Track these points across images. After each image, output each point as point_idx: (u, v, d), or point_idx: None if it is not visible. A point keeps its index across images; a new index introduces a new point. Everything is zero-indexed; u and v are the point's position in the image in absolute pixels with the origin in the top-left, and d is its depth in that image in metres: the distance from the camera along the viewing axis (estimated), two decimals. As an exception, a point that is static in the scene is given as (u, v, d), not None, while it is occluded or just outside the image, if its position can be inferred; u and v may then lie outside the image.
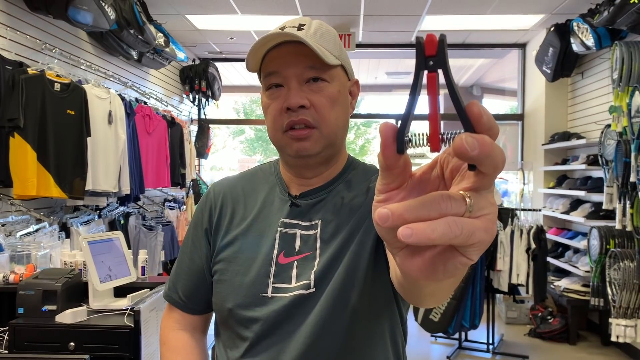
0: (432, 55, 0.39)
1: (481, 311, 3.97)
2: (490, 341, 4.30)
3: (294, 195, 1.00)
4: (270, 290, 0.92)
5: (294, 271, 0.93)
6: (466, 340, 4.48)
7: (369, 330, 0.91)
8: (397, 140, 0.39)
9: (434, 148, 0.40)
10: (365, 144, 15.72)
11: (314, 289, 0.90)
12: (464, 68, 8.01)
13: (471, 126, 0.38)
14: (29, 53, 3.14)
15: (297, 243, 0.95)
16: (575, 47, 4.56)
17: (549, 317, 4.71)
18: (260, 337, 0.92)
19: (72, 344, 1.66)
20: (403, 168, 0.43)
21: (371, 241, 0.91)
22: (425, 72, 0.39)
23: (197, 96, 6.13)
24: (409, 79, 8.77)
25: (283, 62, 0.92)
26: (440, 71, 0.40)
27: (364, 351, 0.91)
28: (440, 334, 4.35)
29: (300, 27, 0.93)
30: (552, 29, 4.87)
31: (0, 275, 2.04)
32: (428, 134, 0.39)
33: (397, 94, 9.80)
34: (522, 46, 6.08)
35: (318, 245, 0.94)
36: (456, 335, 4.39)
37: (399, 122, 0.41)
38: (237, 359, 0.94)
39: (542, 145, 5.51)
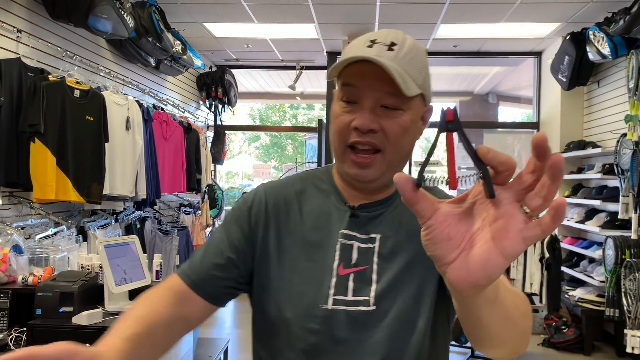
0: (450, 120, 0.55)
1: (494, 320, 3.95)
2: (503, 350, 4.27)
3: (352, 206, 0.97)
4: (330, 302, 0.90)
5: (351, 284, 0.91)
6: (479, 349, 4.46)
7: (428, 351, 0.91)
8: (418, 177, 0.54)
9: (453, 186, 0.54)
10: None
11: (374, 307, 0.89)
12: (479, 76, 8.00)
13: (483, 164, 0.52)
14: (50, 60, 3.23)
15: (354, 255, 0.93)
16: (591, 55, 4.54)
17: (563, 327, 4.67)
18: (317, 350, 0.90)
19: (87, 345, 1.69)
20: (423, 200, 0.54)
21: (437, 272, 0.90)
22: (445, 133, 0.56)
23: (213, 103, 6.21)
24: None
25: (364, 79, 0.89)
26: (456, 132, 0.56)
27: None
28: (452, 342, 4.34)
29: (391, 47, 0.89)
30: (567, 37, 4.86)
31: (19, 277, 2.10)
32: (448, 176, 0.55)
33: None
34: (538, 54, 6.06)
35: (375, 260, 0.92)
36: (468, 344, 4.37)
37: (420, 165, 0.57)
38: None
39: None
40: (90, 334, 1.72)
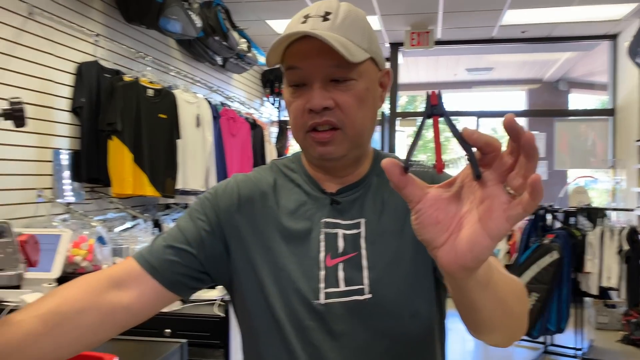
0: (435, 104, 0.56)
1: (568, 315, 3.81)
2: (579, 346, 4.11)
3: (330, 192, 0.92)
4: (322, 296, 0.86)
5: (341, 274, 0.87)
6: (552, 344, 4.31)
7: (429, 335, 0.89)
8: (405, 161, 0.55)
9: (439, 169, 0.55)
10: (444, 142, 15.46)
11: (370, 295, 0.85)
12: (549, 62, 7.69)
13: (469, 145, 0.53)
14: (124, 62, 3.39)
15: (340, 243, 0.88)
16: (674, 36, 4.26)
17: (644, 324, 4.43)
18: (315, 347, 0.85)
19: (168, 330, 1.79)
20: (411, 184, 0.56)
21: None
22: (431, 116, 0.57)
23: (276, 99, 6.30)
24: (490, 75, 8.53)
25: (306, 59, 0.84)
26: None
27: (424, 354, 0.89)
28: (524, 337, 4.21)
29: (325, 17, 0.84)
30: (646, 17, 4.58)
31: (103, 267, 2.23)
32: (435, 160, 0.56)
33: (478, 90, 9.55)
34: (613, 37, 5.74)
35: (363, 245, 0.88)
36: (541, 339, 4.23)
37: (409, 146, 0.58)
38: None
39: (637, 141, 5.19)
40: (170, 320, 1.80)
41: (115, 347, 1.15)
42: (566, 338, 4.33)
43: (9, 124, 0.84)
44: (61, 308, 0.77)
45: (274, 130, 6.62)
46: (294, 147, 6.74)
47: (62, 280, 1.92)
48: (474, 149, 0.53)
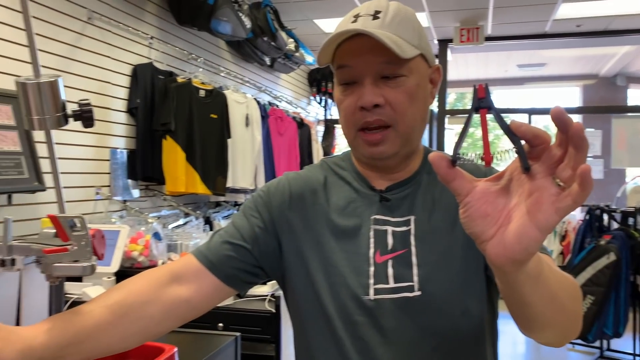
0: (482, 97, 0.56)
1: (626, 319, 3.67)
2: (638, 352, 3.95)
3: (380, 189, 0.93)
4: (372, 292, 0.86)
5: (390, 270, 0.87)
6: (609, 349, 4.16)
7: (479, 334, 0.88)
8: (453, 154, 0.56)
9: (487, 163, 0.55)
10: (494, 140, 15.14)
11: (419, 292, 0.85)
12: (605, 57, 7.41)
13: (517, 138, 0.53)
14: (177, 63, 3.48)
15: (390, 240, 0.89)
16: None
17: None
18: (364, 342, 0.86)
19: (220, 324, 1.84)
20: (459, 177, 0.56)
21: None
22: (478, 110, 0.57)
23: (323, 97, 6.33)
24: (543, 71, 8.29)
25: (356, 56, 0.85)
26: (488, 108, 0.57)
27: (474, 353, 0.89)
28: (579, 341, 4.08)
29: (375, 15, 0.85)
30: None
31: (159, 262, 2.31)
32: (482, 153, 0.56)
33: (530, 87, 9.30)
34: (676, 29, 5.48)
35: (413, 242, 0.88)
36: (597, 344, 4.09)
37: (458, 137, 0.58)
38: None
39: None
40: (223, 315, 1.85)
41: (175, 338, 1.20)
42: (624, 343, 4.17)
43: (71, 125, 0.89)
44: (127, 300, 0.81)
45: (321, 129, 6.65)
46: (340, 145, 6.75)
47: (119, 274, 2.00)
48: (523, 142, 0.53)
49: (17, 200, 2.15)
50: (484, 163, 0.55)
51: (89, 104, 0.84)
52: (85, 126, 0.86)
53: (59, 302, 0.82)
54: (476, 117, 0.56)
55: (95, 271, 0.76)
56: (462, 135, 0.58)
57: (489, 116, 0.56)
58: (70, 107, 0.86)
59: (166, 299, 0.85)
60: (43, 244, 0.72)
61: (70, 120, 0.87)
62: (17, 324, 0.80)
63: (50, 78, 0.82)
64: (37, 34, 0.83)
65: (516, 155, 0.54)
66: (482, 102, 0.56)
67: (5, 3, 2.17)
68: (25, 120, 0.84)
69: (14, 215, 2.10)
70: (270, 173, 4.21)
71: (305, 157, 5.27)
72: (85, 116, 0.82)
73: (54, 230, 0.79)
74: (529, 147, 0.53)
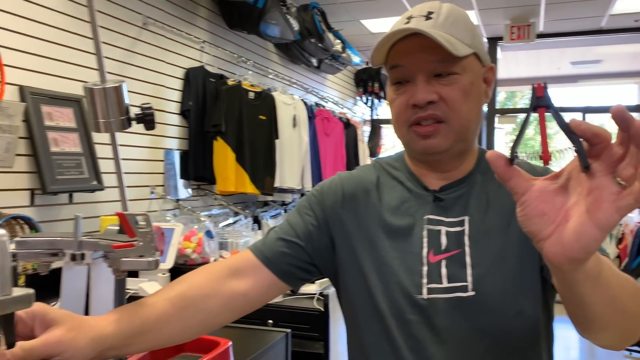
0: (541, 96, 0.57)
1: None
2: (701, 362, 3.76)
3: (433, 190, 0.93)
4: (425, 291, 0.87)
5: (444, 270, 0.88)
6: (669, 358, 3.97)
7: (534, 335, 0.87)
8: (510, 153, 0.56)
9: (546, 161, 0.57)
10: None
11: (473, 292, 0.86)
12: (666, 52, 7.07)
13: (576, 137, 0.52)
14: (227, 66, 3.57)
15: (443, 240, 0.89)
16: None
17: None
18: (417, 340, 0.87)
19: (270, 321, 1.88)
20: (517, 176, 0.56)
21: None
22: (537, 109, 0.59)
23: (369, 98, 6.33)
24: (598, 68, 8.00)
25: (409, 55, 0.86)
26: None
27: (528, 355, 0.88)
28: (636, 347, 3.93)
29: (428, 16, 0.87)
30: None
31: (211, 259, 2.38)
32: (541, 151, 0.58)
33: (584, 84, 8.99)
34: None
35: (467, 243, 0.88)
36: (656, 352, 3.92)
37: (515, 137, 0.59)
38: None
39: None
40: (272, 312, 1.89)
41: (228, 333, 1.24)
42: (686, 352, 3.98)
43: (133, 126, 0.93)
44: (188, 293, 0.85)
45: (367, 129, 6.64)
46: (386, 146, 6.72)
47: (174, 270, 2.08)
48: (582, 141, 0.53)
49: (77, 199, 2.27)
50: (542, 162, 0.56)
51: (150, 108, 0.89)
52: (147, 129, 0.90)
53: (122, 295, 0.87)
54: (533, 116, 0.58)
55: (157, 266, 0.80)
56: (520, 134, 0.58)
57: (547, 115, 0.57)
58: (131, 111, 0.91)
59: (224, 292, 0.88)
60: (110, 239, 0.77)
61: (133, 123, 0.92)
62: (86, 314, 0.85)
63: (115, 83, 0.87)
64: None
65: (575, 154, 0.53)
66: (540, 101, 0.57)
67: (69, 12, 2.29)
68: (92, 123, 0.89)
69: (74, 213, 2.21)
70: (317, 173, 4.25)
71: (352, 157, 5.28)
72: (148, 119, 0.86)
73: (118, 227, 0.84)
74: (588, 145, 0.53)
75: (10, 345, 0.60)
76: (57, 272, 0.86)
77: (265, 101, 3.46)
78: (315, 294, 1.94)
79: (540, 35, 5.49)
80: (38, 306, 0.67)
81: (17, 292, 0.55)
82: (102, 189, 2.29)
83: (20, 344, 0.63)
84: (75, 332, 0.69)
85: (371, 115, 6.81)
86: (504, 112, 7.17)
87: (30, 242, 0.78)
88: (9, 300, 0.54)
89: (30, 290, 0.57)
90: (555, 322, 0.93)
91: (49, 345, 0.66)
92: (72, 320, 0.70)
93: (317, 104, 4.67)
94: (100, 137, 2.32)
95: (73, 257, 0.78)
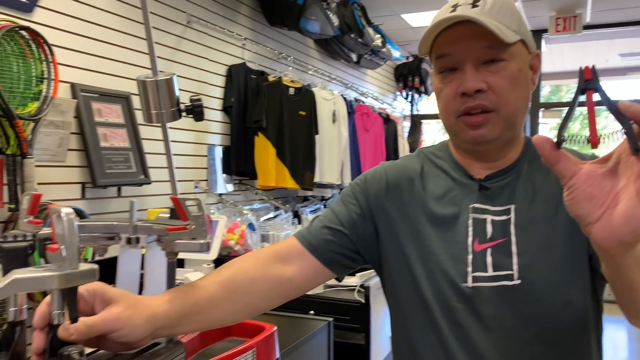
0: (589, 79, 0.58)
1: None
2: None
3: (479, 178, 0.93)
4: (470, 279, 0.87)
5: (489, 259, 0.87)
6: None
7: (582, 325, 0.86)
8: (557, 137, 0.55)
9: (594, 145, 0.55)
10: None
11: (519, 281, 0.85)
12: None
13: (626, 119, 0.52)
14: (268, 63, 3.61)
15: (489, 229, 0.89)
16: None
17: None
18: (462, 329, 0.87)
19: (312, 311, 1.90)
20: (564, 160, 0.56)
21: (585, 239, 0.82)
22: (585, 91, 0.57)
23: (409, 93, 6.28)
24: (648, 60, 7.71)
25: (457, 43, 0.86)
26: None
27: (577, 345, 0.87)
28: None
29: (475, 4, 0.86)
30: None
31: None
32: (589, 135, 0.57)
33: (633, 77, 8.67)
34: None
35: (513, 231, 0.88)
36: None
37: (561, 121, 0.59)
38: (433, 353, 0.89)
39: None
40: (314, 302, 1.92)
41: (273, 319, 1.27)
42: None
43: (174, 123, 0.97)
44: (237, 277, 0.89)
45: (407, 124, 6.60)
46: (426, 142, 6.66)
47: (218, 261, 2.13)
48: (632, 123, 0.52)
49: (125, 192, 2.35)
50: (590, 145, 0.56)
51: (199, 99, 0.92)
52: (197, 120, 0.93)
53: (172, 277, 0.91)
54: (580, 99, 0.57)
55: (195, 258, 0.83)
56: (568, 117, 0.58)
57: (595, 99, 0.56)
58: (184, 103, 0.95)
59: (271, 276, 0.91)
60: (163, 224, 0.81)
61: (183, 114, 0.95)
62: (140, 294, 0.90)
63: (166, 76, 0.91)
64: (144, 39, 0.92)
65: (624, 136, 0.53)
66: (588, 84, 0.57)
67: (118, 12, 2.37)
68: (144, 114, 0.93)
69: (122, 206, 2.29)
70: (356, 169, 4.26)
71: (391, 152, 5.26)
72: (197, 110, 0.90)
73: (168, 215, 0.88)
74: (638, 128, 0.52)
75: (74, 320, 0.64)
76: (111, 261, 0.91)
77: (305, 97, 3.49)
78: (356, 285, 1.96)
79: (587, 27, 5.33)
80: (98, 285, 0.71)
81: (83, 266, 0.59)
82: (149, 183, 2.37)
83: (82, 319, 0.67)
84: (132, 310, 0.73)
85: (411, 111, 6.76)
86: (549, 106, 7.00)
87: (89, 226, 0.82)
88: (76, 274, 0.58)
89: (95, 266, 0.61)
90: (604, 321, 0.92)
91: (108, 322, 0.70)
92: (128, 299, 0.74)
93: (356, 100, 4.67)
94: (147, 133, 2.40)
95: (129, 241, 0.82)
